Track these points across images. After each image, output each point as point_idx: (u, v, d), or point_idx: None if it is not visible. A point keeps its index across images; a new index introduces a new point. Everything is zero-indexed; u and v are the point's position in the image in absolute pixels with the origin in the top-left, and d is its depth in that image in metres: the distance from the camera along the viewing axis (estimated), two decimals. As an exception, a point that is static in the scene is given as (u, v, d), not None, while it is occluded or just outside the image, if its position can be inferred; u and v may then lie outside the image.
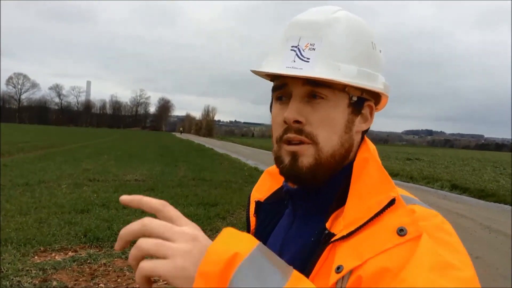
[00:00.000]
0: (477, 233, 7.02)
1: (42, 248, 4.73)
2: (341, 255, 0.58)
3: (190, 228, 0.48)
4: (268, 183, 0.84)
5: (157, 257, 0.45)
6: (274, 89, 0.72)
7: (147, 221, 0.47)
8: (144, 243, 0.46)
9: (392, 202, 0.60)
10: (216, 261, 0.44)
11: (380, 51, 0.72)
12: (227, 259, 0.44)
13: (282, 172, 0.70)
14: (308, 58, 0.67)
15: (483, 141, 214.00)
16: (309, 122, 0.68)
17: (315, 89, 0.67)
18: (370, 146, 0.71)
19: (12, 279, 3.82)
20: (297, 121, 0.68)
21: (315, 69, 0.66)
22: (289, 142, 0.69)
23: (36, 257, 4.48)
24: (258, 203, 0.81)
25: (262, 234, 0.77)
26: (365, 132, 0.74)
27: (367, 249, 0.56)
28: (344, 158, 0.70)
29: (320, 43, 0.67)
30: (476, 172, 18.74)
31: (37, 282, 3.80)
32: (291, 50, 0.69)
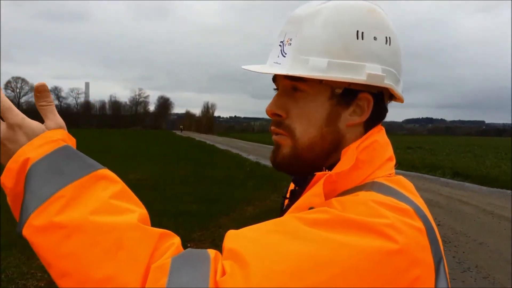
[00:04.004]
0: (481, 219, 7.04)
1: (46, 251, 4.75)
2: None
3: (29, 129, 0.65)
4: None
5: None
6: (273, 82, 0.75)
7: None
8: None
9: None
10: (15, 160, 0.59)
11: (375, 38, 0.67)
12: (22, 161, 0.58)
13: (270, 160, 0.74)
14: (286, 53, 0.69)
15: (484, 127, 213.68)
16: (289, 116, 0.70)
17: (294, 83, 0.68)
18: (370, 138, 0.68)
19: (18, 282, 3.84)
20: (276, 114, 0.71)
21: (286, 64, 0.68)
22: (274, 133, 0.72)
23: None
24: (292, 191, 0.82)
25: None
26: (370, 124, 0.70)
27: None
28: (329, 150, 0.69)
29: (295, 38, 0.68)
30: (477, 159, 18.74)
31: (42, 284, 3.82)
32: (279, 45, 0.71)
